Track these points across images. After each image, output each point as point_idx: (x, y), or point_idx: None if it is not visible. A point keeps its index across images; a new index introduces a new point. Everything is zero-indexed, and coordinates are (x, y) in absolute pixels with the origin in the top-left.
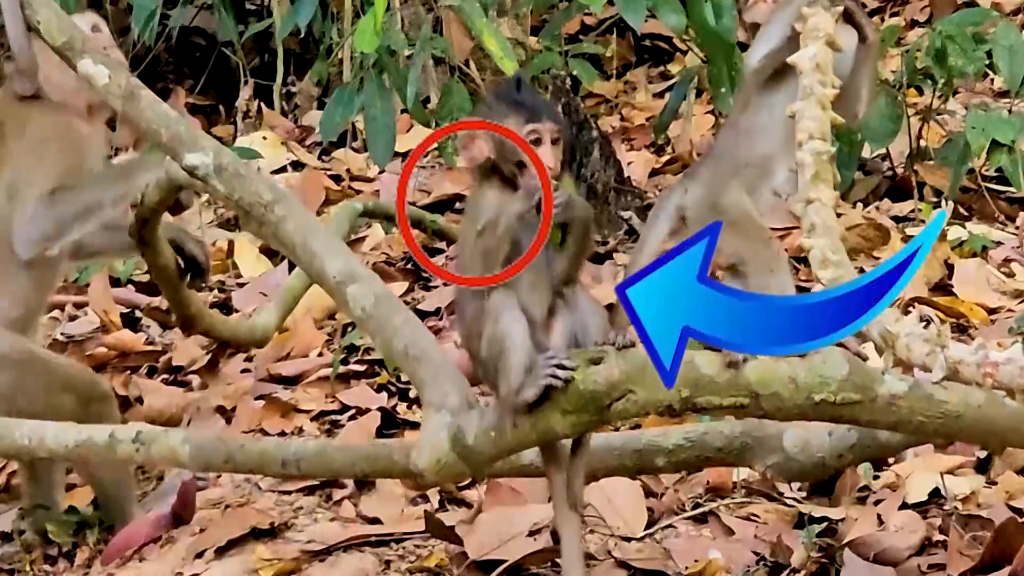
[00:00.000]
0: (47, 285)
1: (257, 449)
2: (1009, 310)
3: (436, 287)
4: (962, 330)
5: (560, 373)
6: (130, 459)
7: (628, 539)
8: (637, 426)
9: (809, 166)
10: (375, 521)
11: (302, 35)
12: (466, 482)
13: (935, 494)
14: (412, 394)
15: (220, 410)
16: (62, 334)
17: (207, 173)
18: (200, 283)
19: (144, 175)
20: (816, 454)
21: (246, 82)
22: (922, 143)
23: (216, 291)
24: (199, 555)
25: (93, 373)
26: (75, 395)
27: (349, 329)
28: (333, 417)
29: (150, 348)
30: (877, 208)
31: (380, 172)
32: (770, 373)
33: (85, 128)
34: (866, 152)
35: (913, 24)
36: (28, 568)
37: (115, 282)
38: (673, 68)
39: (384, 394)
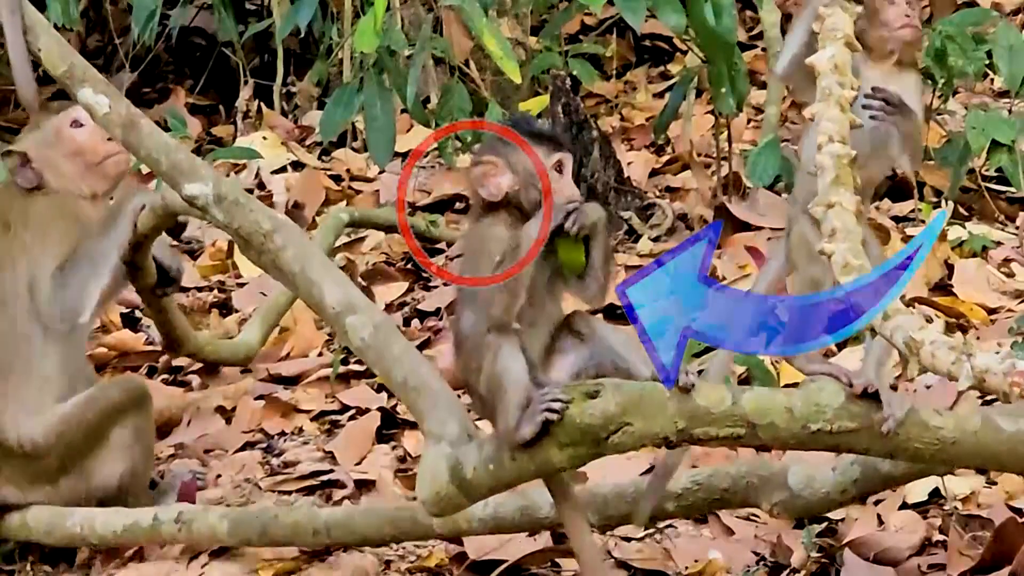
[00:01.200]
0: (82, 343)
1: (290, 520)
2: (1009, 310)
3: (436, 287)
4: (962, 330)
5: (555, 406)
6: (173, 539)
7: (628, 539)
8: None
9: (829, 169)
10: None
11: (302, 35)
12: None
13: (935, 494)
14: None
15: (220, 410)
16: None
17: (206, 203)
18: (164, 292)
19: (135, 204)
20: (820, 490)
21: (246, 82)
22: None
23: (216, 291)
24: (199, 555)
25: (121, 383)
26: (121, 415)
27: None
28: (333, 417)
29: (150, 348)
30: (877, 208)
31: (380, 172)
32: (766, 403)
33: (88, 210)
34: None
35: None
36: (28, 568)
37: None
38: (673, 68)
39: (384, 394)
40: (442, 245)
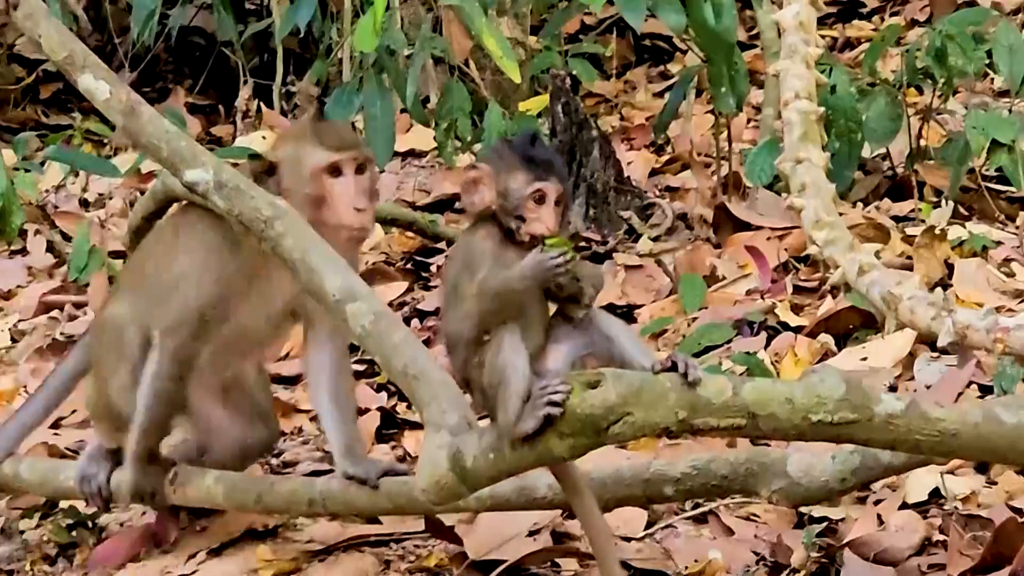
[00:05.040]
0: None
1: (286, 489)
2: (1009, 310)
3: (436, 287)
4: None
5: (556, 398)
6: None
7: (628, 539)
8: None
9: (796, 125)
10: (375, 521)
11: (302, 35)
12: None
13: (935, 494)
14: None
15: None
16: (62, 334)
17: (207, 189)
18: None
19: None
20: (820, 478)
21: (246, 82)
22: (922, 143)
23: None
24: (196, 554)
25: None
26: None
27: None
28: None
29: None
30: (877, 208)
31: (380, 172)
32: (767, 393)
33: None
34: (866, 152)
35: (913, 24)
36: (28, 568)
37: (114, 281)
38: (673, 68)
39: (384, 394)
40: (442, 244)
